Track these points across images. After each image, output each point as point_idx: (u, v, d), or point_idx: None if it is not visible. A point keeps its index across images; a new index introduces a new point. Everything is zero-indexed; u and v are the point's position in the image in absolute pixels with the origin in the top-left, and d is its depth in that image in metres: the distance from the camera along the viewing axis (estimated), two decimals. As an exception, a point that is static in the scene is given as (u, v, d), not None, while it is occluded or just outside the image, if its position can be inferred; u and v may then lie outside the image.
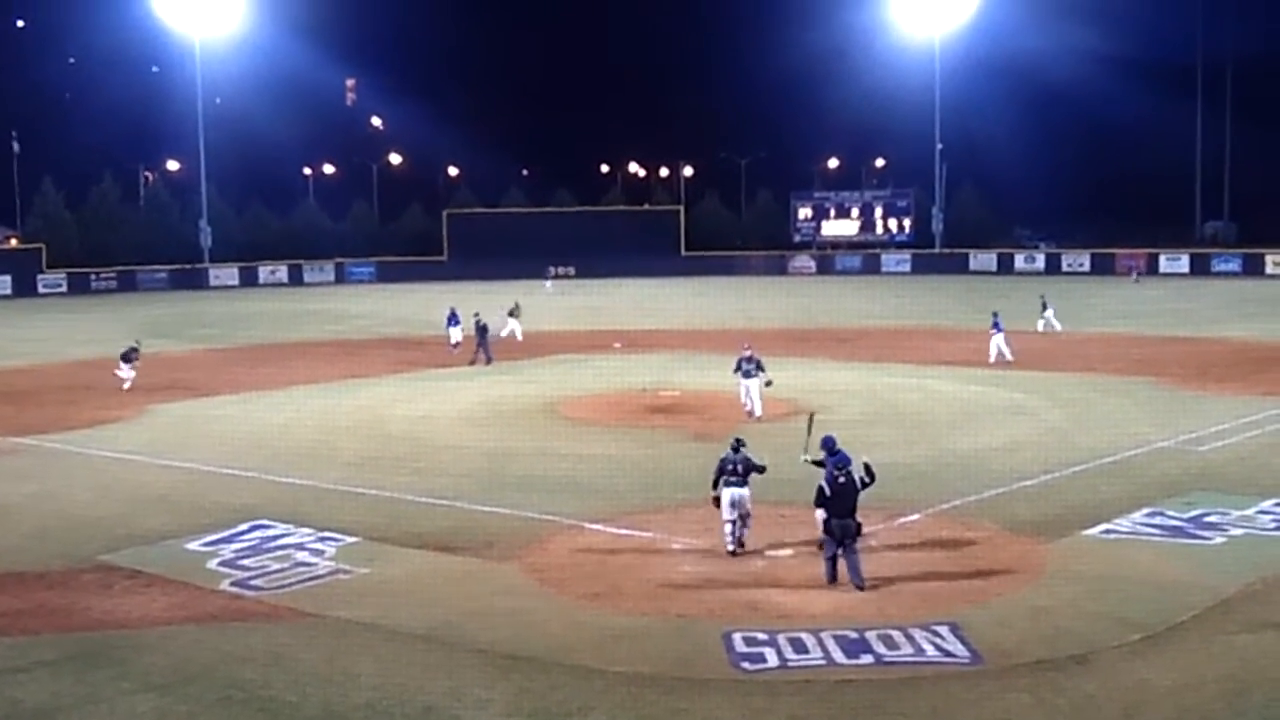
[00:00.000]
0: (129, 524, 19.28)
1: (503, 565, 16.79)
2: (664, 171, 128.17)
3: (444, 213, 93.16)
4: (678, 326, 47.97)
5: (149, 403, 31.78)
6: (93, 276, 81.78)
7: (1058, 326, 46.18)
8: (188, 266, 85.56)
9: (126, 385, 33.73)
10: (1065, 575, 15.93)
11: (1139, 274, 77.24)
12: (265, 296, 76.82)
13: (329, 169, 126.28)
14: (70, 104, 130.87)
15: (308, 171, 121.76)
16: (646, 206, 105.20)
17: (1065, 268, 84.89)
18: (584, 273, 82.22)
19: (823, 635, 13.61)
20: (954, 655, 13.13)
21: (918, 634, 13.62)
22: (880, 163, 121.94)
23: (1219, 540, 17.45)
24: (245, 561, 17.05)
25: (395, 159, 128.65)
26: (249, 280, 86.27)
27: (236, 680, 12.66)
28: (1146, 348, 41.09)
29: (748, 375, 28.02)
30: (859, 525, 15.49)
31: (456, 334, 42.38)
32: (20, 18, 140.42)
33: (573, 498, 20.37)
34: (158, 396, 32.64)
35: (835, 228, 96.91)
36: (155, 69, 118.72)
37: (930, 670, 12.78)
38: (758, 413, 27.56)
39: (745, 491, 16.71)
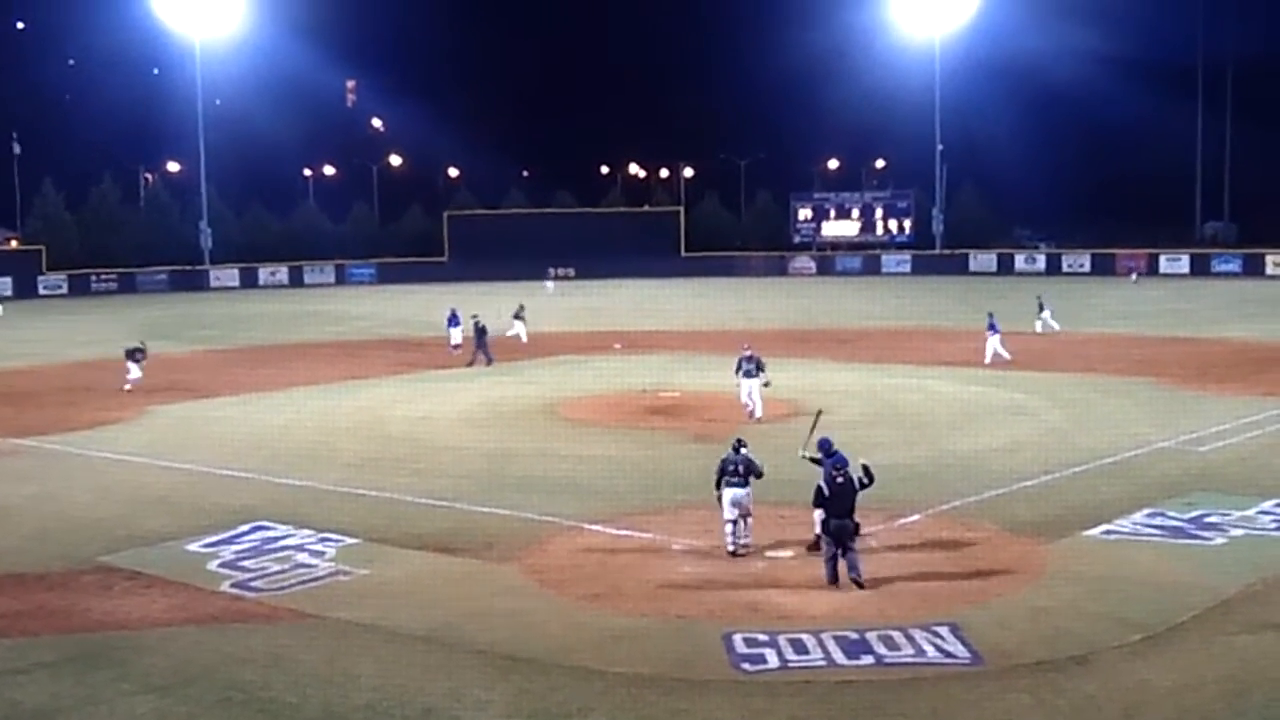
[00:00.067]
0: (129, 525, 19.29)
1: (502, 566, 16.80)
2: (664, 172, 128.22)
3: (444, 214, 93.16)
4: (678, 327, 47.98)
5: (149, 404, 31.80)
6: (93, 278, 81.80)
7: (1055, 327, 46.15)
8: (188, 268, 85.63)
9: (128, 386, 33.71)
10: (1065, 576, 15.94)
11: (1139, 274, 77.21)
12: (265, 298, 76.84)
13: (329, 170, 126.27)
14: (70, 105, 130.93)
15: (308, 173, 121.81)
16: (646, 207, 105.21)
17: (1065, 268, 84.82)
18: (584, 274, 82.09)
19: (823, 636, 13.62)
20: (954, 656, 13.15)
21: (918, 635, 13.63)
22: (880, 163, 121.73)
23: (1219, 541, 17.45)
24: (245, 563, 17.07)
25: (395, 160, 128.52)
26: (249, 281, 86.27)
27: (236, 681, 12.67)
28: (1147, 348, 41.08)
29: (749, 375, 28.02)
30: (857, 525, 15.53)
31: (457, 335, 42.36)
32: (20, 19, 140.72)
33: (573, 499, 20.37)
34: (158, 398, 32.64)
35: (835, 229, 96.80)
36: (155, 70, 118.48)
37: (931, 671, 12.79)
38: (758, 413, 27.58)
39: (746, 491, 16.77)
